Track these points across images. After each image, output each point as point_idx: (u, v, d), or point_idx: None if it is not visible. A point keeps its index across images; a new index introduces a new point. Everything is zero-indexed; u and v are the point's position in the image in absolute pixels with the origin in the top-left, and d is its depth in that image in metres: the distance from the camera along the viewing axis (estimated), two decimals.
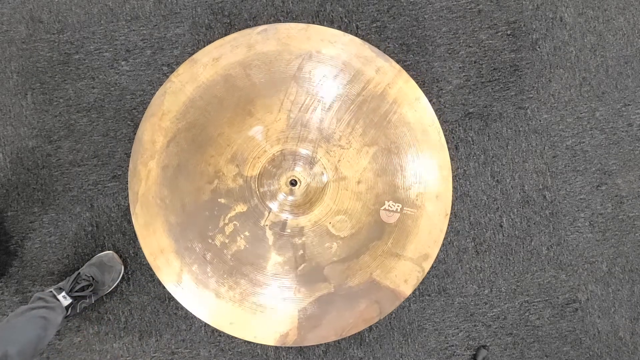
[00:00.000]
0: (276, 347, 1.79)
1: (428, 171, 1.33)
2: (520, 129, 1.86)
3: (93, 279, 1.66)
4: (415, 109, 1.33)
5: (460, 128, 1.85)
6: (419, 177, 1.33)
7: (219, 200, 1.33)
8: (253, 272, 1.32)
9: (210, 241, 1.32)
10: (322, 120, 1.33)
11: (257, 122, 1.33)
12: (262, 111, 1.33)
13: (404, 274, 1.33)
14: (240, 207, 1.34)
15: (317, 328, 1.32)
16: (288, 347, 1.79)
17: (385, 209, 1.33)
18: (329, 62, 1.32)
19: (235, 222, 1.33)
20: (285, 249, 1.34)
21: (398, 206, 1.33)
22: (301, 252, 1.33)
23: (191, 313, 1.77)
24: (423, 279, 1.74)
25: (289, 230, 1.34)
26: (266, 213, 1.34)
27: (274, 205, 1.34)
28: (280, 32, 1.32)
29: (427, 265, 1.32)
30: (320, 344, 1.80)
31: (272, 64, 1.32)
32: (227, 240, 1.32)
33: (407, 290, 1.33)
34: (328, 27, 1.37)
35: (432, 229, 1.33)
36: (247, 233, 1.33)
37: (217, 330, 1.78)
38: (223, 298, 1.31)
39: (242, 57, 1.31)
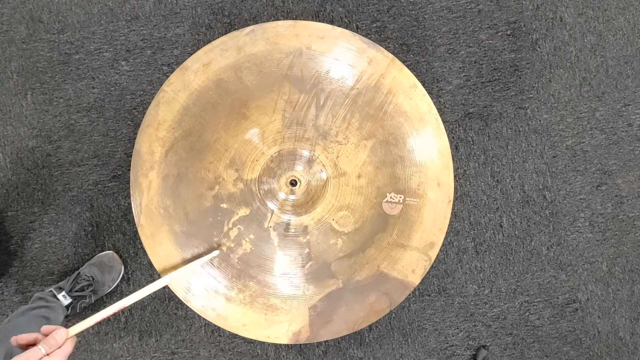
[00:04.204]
0: (276, 347, 1.79)
1: (428, 159, 1.32)
2: (520, 129, 1.86)
3: (93, 278, 1.66)
4: (411, 97, 1.32)
5: (460, 128, 1.85)
6: (419, 167, 1.32)
7: (221, 205, 1.33)
8: (261, 273, 1.32)
9: (216, 246, 1.32)
10: (318, 117, 1.32)
11: (253, 125, 1.33)
12: (257, 113, 1.33)
13: (411, 264, 1.33)
14: (243, 211, 1.33)
15: (329, 324, 1.32)
16: (288, 348, 1.79)
17: (387, 201, 1.33)
18: (320, 57, 1.31)
19: (239, 226, 1.33)
20: (291, 248, 1.34)
21: (400, 197, 1.33)
22: (307, 250, 1.33)
23: (191, 313, 1.78)
24: (425, 276, 1.74)
25: (293, 230, 1.34)
26: (269, 215, 1.34)
27: (276, 207, 1.34)
28: (268, 31, 1.31)
29: (434, 254, 1.32)
30: (320, 344, 1.80)
31: (262, 65, 1.31)
32: (232, 245, 1.32)
33: (415, 279, 1.33)
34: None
35: (436, 217, 1.33)
36: (251, 236, 1.33)
37: (217, 330, 1.78)
38: (234, 301, 1.31)
39: (232, 60, 1.31)
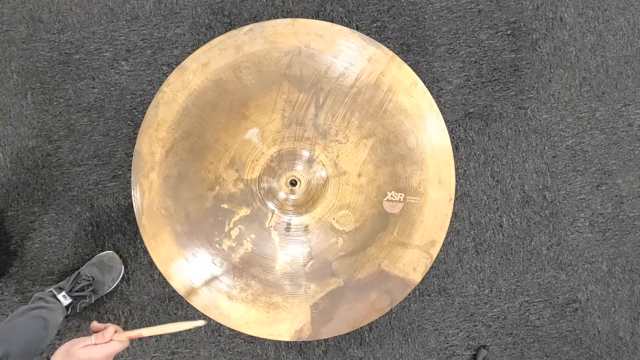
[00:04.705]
0: (276, 347, 1.79)
1: (429, 157, 1.32)
2: (520, 129, 1.86)
3: (93, 278, 1.66)
4: (412, 94, 1.31)
5: (460, 128, 1.85)
6: (419, 165, 1.32)
7: (222, 205, 1.33)
8: (262, 272, 1.33)
9: (217, 246, 1.32)
10: (317, 117, 1.32)
11: (252, 125, 1.33)
12: (256, 113, 1.32)
13: (412, 262, 1.33)
14: (244, 211, 1.34)
15: (330, 322, 1.32)
16: (288, 348, 1.79)
17: (388, 200, 1.33)
18: (319, 55, 1.30)
19: (240, 226, 1.33)
20: (292, 248, 1.34)
21: (401, 196, 1.32)
22: (308, 249, 1.34)
23: (191, 313, 1.77)
24: (425, 276, 1.74)
25: (293, 230, 1.34)
26: (270, 214, 1.34)
27: (276, 207, 1.34)
28: (266, 30, 1.30)
29: (435, 252, 1.32)
30: (321, 344, 1.80)
31: (261, 64, 1.30)
32: (234, 244, 1.33)
33: (416, 277, 1.33)
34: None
35: (437, 215, 1.32)
36: (252, 236, 1.33)
37: (217, 330, 1.78)
38: (236, 300, 1.32)
39: (230, 59, 1.30)
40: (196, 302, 1.31)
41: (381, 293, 1.33)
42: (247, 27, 1.30)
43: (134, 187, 1.30)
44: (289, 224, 1.34)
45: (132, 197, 1.30)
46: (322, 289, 1.32)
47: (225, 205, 1.33)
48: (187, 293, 1.31)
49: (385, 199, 1.33)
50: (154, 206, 1.30)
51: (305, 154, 1.34)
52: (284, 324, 1.32)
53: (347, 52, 1.31)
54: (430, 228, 1.33)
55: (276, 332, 1.31)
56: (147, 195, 1.30)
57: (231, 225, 1.33)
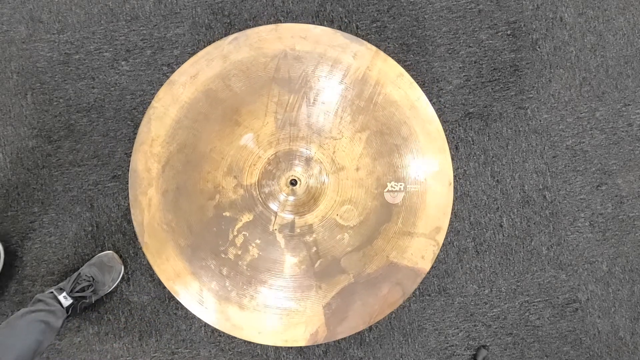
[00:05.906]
0: (276, 348, 1.79)
1: (423, 144, 1.33)
2: (520, 129, 1.86)
3: (93, 279, 1.66)
4: (399, 86, 1.33)
5: (460, 128, 1.85)
6: (415, 153, 1.33)
7: (224, 214, 1.33)
8: (271, 277, 1.33)
9: (223, 256, 1.32)
10: (310, 116, 1.33)
11: (246, 130, 1.33)
12: (249, 118, 1.33)
13: (420, 251, 1.33)
14: (246, 217, 1.34)
15: (345, 320, 1.32)
16: (288, 348, 1.79)
17: (388, 191, 1.34)
18: (305, 56, 1.32)
19: (244, 232, 1.33)
20: (298, 249, 1.34)
21: (401, 185, 1.33)
22: (314, 249, 1.34)
23: (191, 313, 1.77)
24: (425, 276, 1.74)
25: (298, 230, 1.34)
26: (273, 218, 1.34)
27: (278, 209, 1.34)
28: (250, 37, 1.32)
29: (441, 238, 1.33)
30: (320, 345, 1.80)
31: (249, 71, 1.32)
32: (239, 252, 1.32)
33: (425, 265, 1.33)
34: (329, 27, 1.37)
35: (439, 201, 1.33)
36: (258, 241, 1.33)
37: (217, 330, 1.78)
38: (247, 309, 1.31)
39: (218, 69, 1.31)
40: (207, 317, 1.30)
41: (392, 285, 1.33)
42: (231, 37, 1.32)
43: (132, 206, 1.30)
44: (292, 225, 1.35)
45: (132, 216, 1.30)
46: (333, 288, 1.32)
47: (227, 213, 1.33)
48: (198, 307, 1.30)
49: (385, 190, 1.34)
50: (155, 222, 1.30)
51: (302, 153, 1.34)
52: (298, 328, 1.31)
53: (332, 51, 1.33)
54: (434, 215, 1.33)
55: (291, 338, 1.31)
56: (146, 212, 1.30)
57: (235, 233, 1.33)
